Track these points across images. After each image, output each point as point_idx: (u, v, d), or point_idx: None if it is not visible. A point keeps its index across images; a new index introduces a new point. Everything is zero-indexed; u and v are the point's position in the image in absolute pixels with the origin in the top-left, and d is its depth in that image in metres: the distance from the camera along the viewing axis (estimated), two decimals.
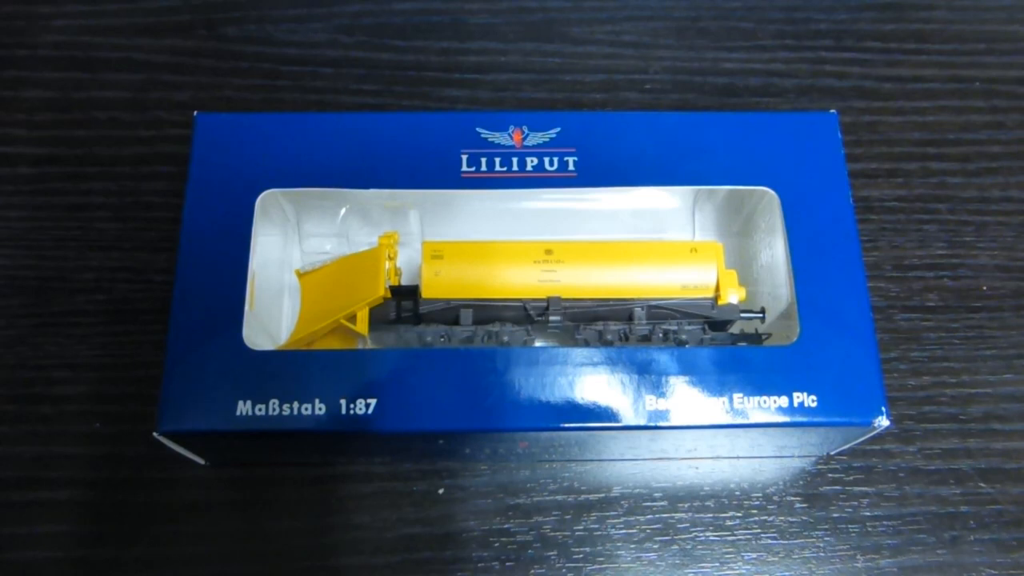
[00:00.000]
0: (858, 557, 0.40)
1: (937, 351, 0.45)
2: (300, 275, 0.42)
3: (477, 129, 0.38)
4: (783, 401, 0.34)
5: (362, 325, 0.39)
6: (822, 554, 0.40)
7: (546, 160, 0.38)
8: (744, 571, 0.40)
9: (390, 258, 0.40)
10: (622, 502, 0.41)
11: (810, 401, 0.34)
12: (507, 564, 0.40)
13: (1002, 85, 0.52)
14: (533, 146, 0.38)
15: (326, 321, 0.39)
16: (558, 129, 0.39)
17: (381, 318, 0.40)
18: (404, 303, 0.40)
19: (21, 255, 0.46)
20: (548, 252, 0.40)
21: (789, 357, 0.35)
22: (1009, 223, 0.48)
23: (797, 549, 0.41)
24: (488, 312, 0.40)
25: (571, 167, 0.38)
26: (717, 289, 0.40)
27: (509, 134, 0.38)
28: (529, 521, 0.41)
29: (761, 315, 0.40)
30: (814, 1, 0.54)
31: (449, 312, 0.40)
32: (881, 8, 0.54)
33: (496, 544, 0.40)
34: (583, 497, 0.41)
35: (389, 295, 0.40)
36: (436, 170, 0.38)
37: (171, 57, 0.52)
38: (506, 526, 0.41)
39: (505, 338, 0.39)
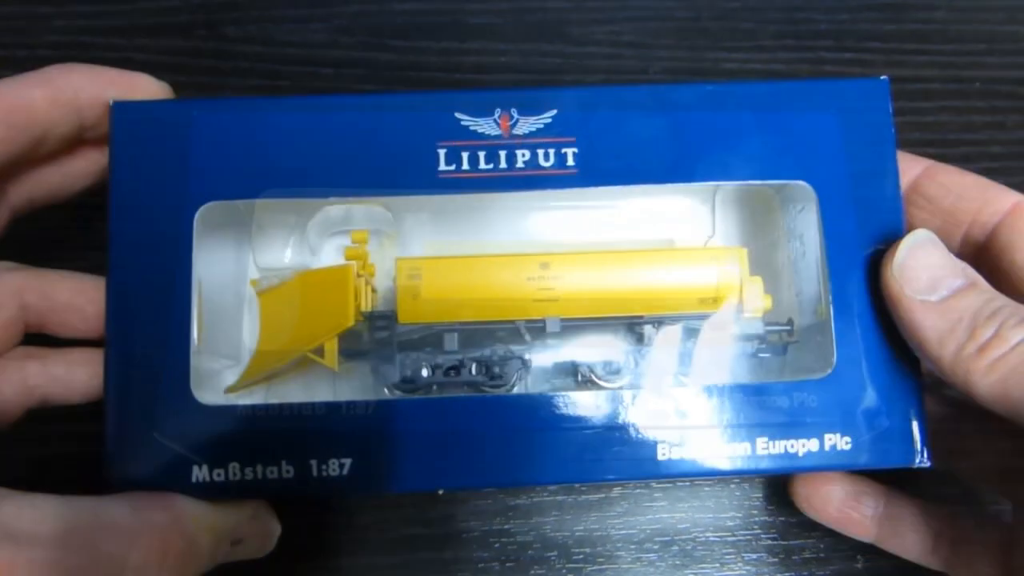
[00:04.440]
0: (858, 557, 0.40)
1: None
2: (259, 293, 0.37)
3: (456, 115, 0.32)
4: (812, 445, 0.31)
5: (330, 358, 0.34)
6: (822, 555, 0.40)
7: (540, 153, 0.32)
8: (744, 571, 0.40)
9: (361, 274, 0.35)
10: (622, 503, 0.41)
11: (843, 443, 0.31)
12: (507, 564, 0.40)
13: (1002, 85, 0.52)
14: (524, 135, 0.32)
15: (288, 356, 0.35)
16: (553, 112, 0.32)
17: (353, 347, 0.35)
18: (379, 333, 0.35)
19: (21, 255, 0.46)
20: (544, 266, 0.35)
21: (822, 391, 0.31)
22: None
23: (797, 550, 0.41)
24: (476, 337, 0.35)
25: (570, 161, 0.32)
26: (739, 302, 0.35)
27: (495, 119, 0.32)
28: (529, 521, 0.41)
29: (789, 327, 0.36)
30: (814, 1, 0.54)
31: (431, 338, 0.35)
32: (881, 8, 0.54)
33: (496, 544, 0.40)
34: (583, 497, 0.41)
35: (362, 318, 0.35)
36: (408, 168, 0.32)
37: (171, 57, 0.51)
38: (506, 526, 0.41)
39: (496, 369, 0.35)
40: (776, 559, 0.40)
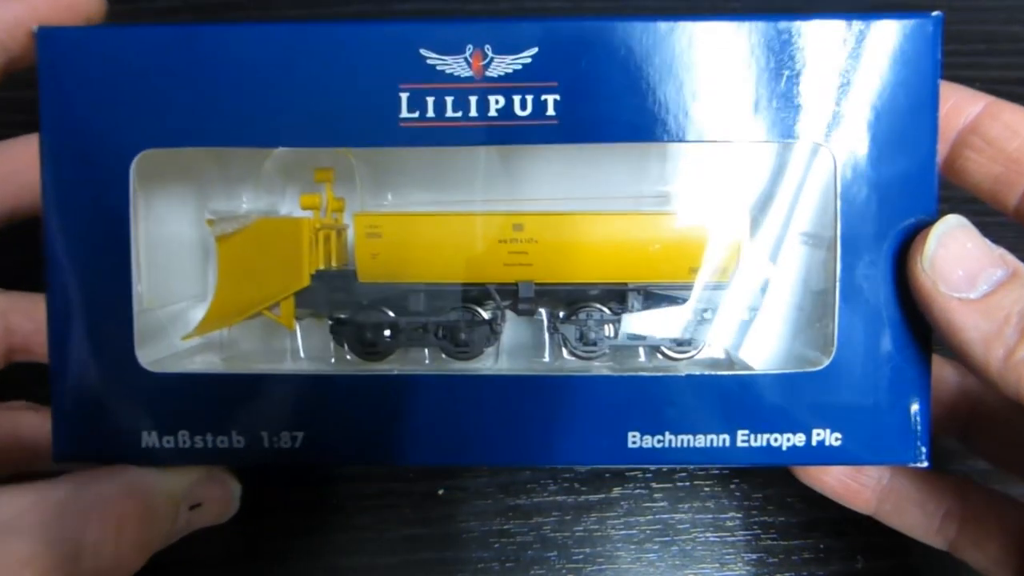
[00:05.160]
0: (858, 557, 0.40)
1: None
2: (218, 239, 0.34)
3: (421, 51, 0.28)
4: (798, 439, 0.28)
5: (287, 317, 0.33)
6: (822, 555, 0.40)
7: (516, 100, 0.28)
8: (744, 572, 0.40)
9: (320, 227, 0.33)
10: (622, 503, 0.41)
11: (833, 439, 0.28)
12: (507, 564, 0.40)
13: (1002, 85, 0.52)
14: (498, 77, 0.28)
15: (244, 314, 0.33)
16: (535, 50, 0.27)
17: (311, 306, 0.33)
18: (336, 294, 0.33)
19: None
20: (518, 228, 0.32)
21: (816, 385, 0.28)
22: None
23: (797, 550, 0.41)
24: (446, 297, 0.33)
25: (550, 110, 0.28)
26: (737, 269, 0.32)
27: (466, 58, 0.28)
28: (529, 522, 0.41)
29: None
30: (814, 2, 0.54)
31: (396, 297, 0.33)
32: (882, 9, 0.54)
33: (496, 545, 0.40)
34: (583, 498, 0.41)
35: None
36: (366, 115, 0.28)
37: None
38: (506, 526, 0.41)
39: (463, 335, 0.32)
40: (776, 559, 0.40)
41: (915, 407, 0.28)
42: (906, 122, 0.28)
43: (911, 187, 0.28)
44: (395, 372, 0.31)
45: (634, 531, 0.41)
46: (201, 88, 0.28)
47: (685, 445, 0.29)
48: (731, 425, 0.28)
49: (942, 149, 0.30)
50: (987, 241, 0.27)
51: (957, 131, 0.30)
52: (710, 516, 0.41)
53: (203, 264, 0.35)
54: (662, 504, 0.41)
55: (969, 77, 0.52)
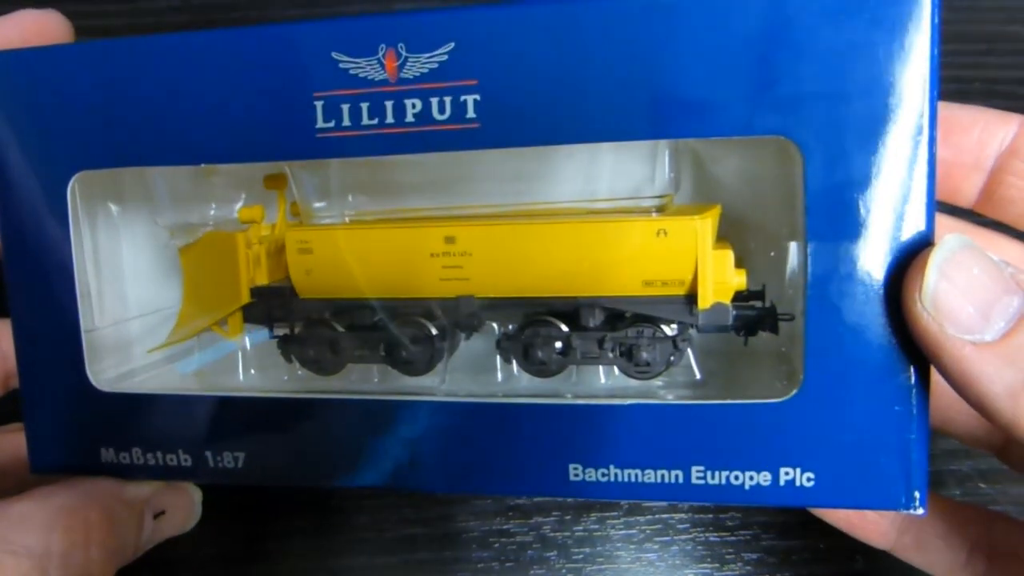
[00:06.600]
0: (857, 557, 0.40)
1: None
2: (180, 249, 0.34)
3: (333, 55, 0.26)
4: (764, 478, 0.25)
5: (233, 332, 0.33)
6: (822, 555, 0.40)
7: (434, 103, 0.25)
8: (744, 572, 0.40)
9: (255, 242, 0.32)
10: (622, 502, 0.41)
11: (804, 480, 0.25)
12: (507, 564, 0.40)
13: (1002, 85, 0.52)
14: (414, 78, 0.25)
15: (198, 328, 0.33)
16: (451, 45, 0.25)
17: (257, 321, 0.33)
18: (275, 311, 0.32)
19: None
20: (449, 240, 0.29)
21: (781, 417, 0.25)
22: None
23: (797, 550, 0.41)
24: (397, 311, 0.32)
25: (471, 112, 0.25)
26: (695, 285, 0.28)
27: (380, 59, 0.26)
28: (529, 521, 0.41)
29: (763, 309, 0.29)
30: None
31: (342, 313, 0.32)
32: None
33: (496, 544, 0.40)
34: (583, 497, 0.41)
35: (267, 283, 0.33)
36: (283, 127, 0.26)
37: None
38: (506, 526, 0.41)
39: (404, 353, 0.31)
40: (776, 559, 0.40)
41: (907, 445, 0.24)
42: (895, 110, 0.24)
43: (898, 182, 0.23)
44: (324, 397, 0.29)
45: (634, 531, 0.41)
46: (121, 105, 0.27)
47: (633, 480, 0.26)
48: (684, 460, 0.26)
49: (977, 180, 0.27)
50: (992, 259, 0.22)
51: (994, 156, 0.26)
52: (710, 516, 0.41)
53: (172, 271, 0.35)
54: (662, 504, 0.41)
55: (969, 77, 0.52)
